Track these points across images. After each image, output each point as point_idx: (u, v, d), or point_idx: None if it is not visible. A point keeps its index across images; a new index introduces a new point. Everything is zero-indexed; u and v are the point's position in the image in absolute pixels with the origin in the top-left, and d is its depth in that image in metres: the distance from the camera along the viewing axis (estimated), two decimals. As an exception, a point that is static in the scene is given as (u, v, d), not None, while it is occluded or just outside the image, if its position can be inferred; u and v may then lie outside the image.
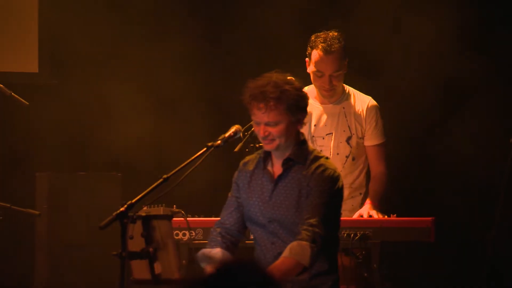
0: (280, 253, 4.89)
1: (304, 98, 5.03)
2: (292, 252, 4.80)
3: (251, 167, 5.17)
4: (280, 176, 5.05)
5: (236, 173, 5.23)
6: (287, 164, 5.02)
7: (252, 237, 5.16)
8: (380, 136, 6.31)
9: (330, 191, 5.02)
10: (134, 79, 8.02)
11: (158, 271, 4.81)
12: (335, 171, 5.06)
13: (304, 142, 5.09)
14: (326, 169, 5.04)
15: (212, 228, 5.23)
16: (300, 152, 5.06)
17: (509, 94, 7.66)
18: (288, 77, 5.13)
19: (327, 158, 5.17)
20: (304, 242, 4.81)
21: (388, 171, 6.30)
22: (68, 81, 7.95)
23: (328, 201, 5.00)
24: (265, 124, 4.94)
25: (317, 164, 5.04)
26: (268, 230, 5.05)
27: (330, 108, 5.98)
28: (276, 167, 5.10)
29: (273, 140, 4.97)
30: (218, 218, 5.63)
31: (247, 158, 5.25)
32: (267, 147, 5.03)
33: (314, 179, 5.00)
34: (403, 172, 7.30)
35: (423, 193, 7.50)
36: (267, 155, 5.10)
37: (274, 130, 4.96)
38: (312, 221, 4.91)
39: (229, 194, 5.22)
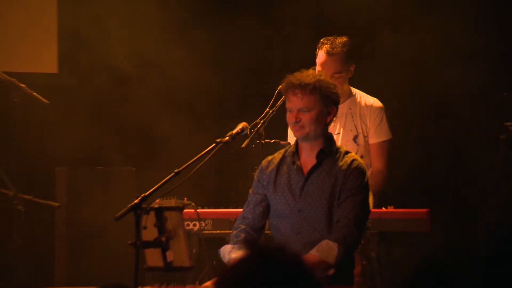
0: (305, 244, 4.93)
1: (337, 94, 5.07)
2: (319, 251, 4.83)
3: (274, 165, 5.18)
4: (313, 168, 5.07)
5: (257, 172, 5.25)
6: (320, 155, 5.04)
7: (268, 230, 5.17)
8: (383, 134, 6.28)
9: (364, 184, 5.09)
10: (151, 77, 7.96)
11: (170, 259, 4.80)
12: (363, 164, 5.12)
13: (332, 137, 5.13)
14: (359, 163, 5.08)
15: (235, 224, 5.24)
16: (330, 145, 5.09)
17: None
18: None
19: None
20: (332, 243, 4.85)
21: (387, 170, 6.28)
22: (86, 81, 7.92)
23: (362, 197, 5.06)
24: (298, 110, 4.97)
25: (349, 157, 5.09)
26: (294, 221, 5.05)
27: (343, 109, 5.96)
28: (306, 160, 5.12)
29: (302, 127, 5.00)
30: (228, 210, 5.83)
31: (269, 157, 5.26)
32: (297, 134, 5.05)
33: (351, 172, 5.04)
34: (403, 166, 7.29)
35: (420, 185, 7.44)
36: (295, 152, 5.12)
37: (305, 117, 4.99)
38: (347, 222, 4.97)
39: (250, 191, 5.24)
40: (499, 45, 7.64)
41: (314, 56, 6.33)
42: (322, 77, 5.12)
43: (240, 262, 2.43)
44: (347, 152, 5.08)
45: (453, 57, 7.64)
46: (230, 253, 4.88)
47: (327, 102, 5.01)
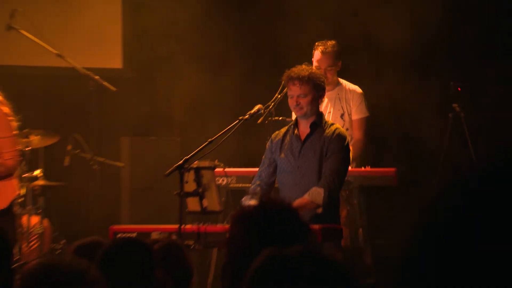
0: (303, 192, 4.93)
1: (324, 83, 5.10)
2: (310, 194, 4.87)
3: (280, 136, 5.19)
4: (308, 136, 5.07)
5: (268, 142, 5.25)
6: (313, 126, 5.06)
7: (277, 184, 5.17)
8: (362, 113, 6.20)
9: (344, 146, 5.06)
10: (194, 67, 7.48)
11: (205, 205, 4.86)
12: (344, 132, 5.13)
13: (322, 114, 5.15)
14: (341, 131, 5.09)
15: (253, 180, 5.25)
16: (320, 119, 5.09)
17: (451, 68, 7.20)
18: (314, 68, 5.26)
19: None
20: (319, 189, 4.87)
21: (365, 139, 6.20)
22: (144, 74, 7.72)
23: (343, 155, 5.04)
24: (297, 96, 5.00)
25: (333, 127, 5.08)
26: (294, 176, 5.05)
27: (328, 95, 5.84)
28: (303, 131, 5.13)
29: (302, 108, 5.01)
30: (248, 169, 5.77)
31: (276, 132, 5.28)
32: (297, 114, 5.09)
33: (334, 137, 5.03)
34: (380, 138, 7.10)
35: (389, 152, 7.10)
36: (296, 126, 5.14)
37: (303, 101, 5.00)
38: (330, 173, 4.96)
39: (263, 157, 5.25)
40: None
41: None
42: (313, 70, 5.17)
43: (253, 206, 2.49)
44: (332, 124, 5.12)
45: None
46: (248, 201, 4.90)
47: (318, 88, 5.04)
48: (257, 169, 5.26)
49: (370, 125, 6.22)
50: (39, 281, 2.24)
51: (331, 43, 6.08)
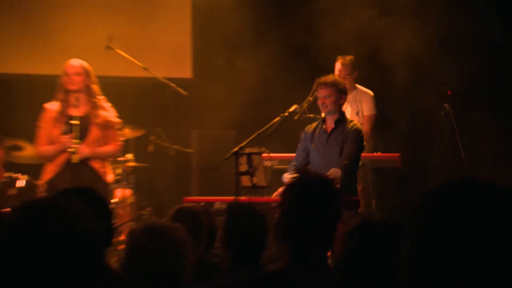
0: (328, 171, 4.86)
1: (344, 88, 5.05)
2: (330, 172, 4.82)
3: (311, 129, 5.15)
4: (332, 130, 5.03)
5: (302, 134, 5.20)
6: (337, 122, 5.02)
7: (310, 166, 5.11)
8: (370, 110, 6.08)
9: (359, 137, 5.00)
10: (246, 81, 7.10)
11: (255, 181, 4.89)
12: (360, 127, 5.08)
13: (344, 112, 5.14)
14: (357, 126, 5.05)
15: (290, 163, 5.18)
16: (343, 117, 5.07)
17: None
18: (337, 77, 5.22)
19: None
20: (337, 168, 4.85)
21: (371, 131, 6.03)
22: (209, 81, 7.35)
23: (357, 145, 4.98)
24: (323, 97, 4.98)
25: (352, 123, 5.05)
26: (322, 160, 5.02)
27: (347, 97, 5.47)
28: (329, 125, 5.06)
29: (326, 107, 4.99)
30: (287, 154, 5.65)
31: (308, 126, 5.22)
32: (324, 111, 5.05)
33: (351, 131, 4.98)
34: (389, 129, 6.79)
35: (395, 141, 6.72)
36: (323, 121, 5.09)
37: (328, 101, 4.98)
38: (345, 157, 4.93)
39: (299, 145, 5.21)
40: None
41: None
42: (335, 78, 5.16)
43: (298, 177, 2.48)
44: (351, 121, 5.11)
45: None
46: (288, 176, 4.74)
47: (340, 91, 5.02)
48: (294, 154, 5.25)
49: (377, 120, 6.10)
50: (145, 240, 2.32)
51: (349, 57, 6.00)
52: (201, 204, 4.58)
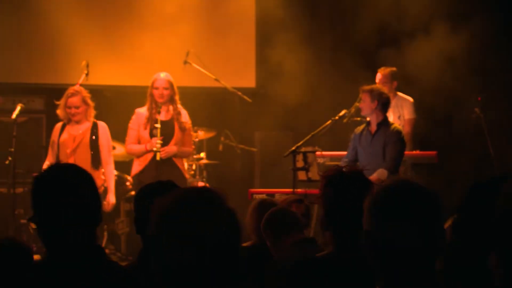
0: (374, 169, 4.94)
1: (383, 94, 5.12)
2: (378, 173, 4.94)
3: (359, 131, 5.28)
4: (376, 132, 5.15)
5: (352, 134, 5.33)
6: (379, 125, 5.16)
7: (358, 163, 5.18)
8: (410, 114, 6.18)
9: (400, 138, 5.11)
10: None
11: (310, 176, 5.14)
12: (400, 129, 5.23)
13: (386, 116, 5.26)
14: (398, 128, 5.17)
15: (342, 160, 5.27)
16: (385, 120, 5.21)
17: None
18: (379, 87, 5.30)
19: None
20: (384, 169, 4.98)
21: (411, 132, 6.08)
22: (271, 89, 7.39)
23: (399, 146, 5.08)
24: (362, 102, 5.16)
25: (393, 126, 5.19)
26: (369, 158, 5.12)
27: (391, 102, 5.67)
28: (373, 128, 5.19)
29: (362, 110, 5.15)
30: (337, 152, 5.82)
31: (358, 127, 5.33)
32: (362, 113, 5.22)
33: (392, 133, 5.10)
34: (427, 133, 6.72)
35: (432, 140, 6.68)
36: (368, 124, 5.23)
37: (362, 105, 5.14)
38: (390, 159, 5.04)
39: (349, 144, 5.35)
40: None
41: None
42: (375, 86, 5.32)
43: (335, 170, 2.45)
44: (393, 124, 5.26)
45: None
46: None
47: (373, 98, 5.13)
48: (345, 152, 5.46)
49: (416, 124, 6.22)
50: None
51: (389, 68, 6.15)
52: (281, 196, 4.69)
